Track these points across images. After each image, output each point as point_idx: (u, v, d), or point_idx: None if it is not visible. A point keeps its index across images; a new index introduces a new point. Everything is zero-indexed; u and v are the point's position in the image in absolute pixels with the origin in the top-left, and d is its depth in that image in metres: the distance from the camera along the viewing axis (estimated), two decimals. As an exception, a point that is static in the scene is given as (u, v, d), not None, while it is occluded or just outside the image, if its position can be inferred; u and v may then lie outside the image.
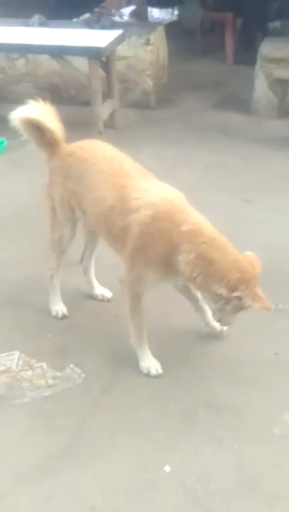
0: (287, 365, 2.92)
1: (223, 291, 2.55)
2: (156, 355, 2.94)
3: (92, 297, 3.35)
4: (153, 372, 2.85)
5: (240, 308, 2.62)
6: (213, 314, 2.89)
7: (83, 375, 2.86)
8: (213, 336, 3.06)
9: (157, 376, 2.84)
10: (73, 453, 2.49)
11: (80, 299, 3.28)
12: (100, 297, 3.34)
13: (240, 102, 6.20)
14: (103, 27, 5.66)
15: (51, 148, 3.05)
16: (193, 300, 3.02)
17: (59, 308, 3.23)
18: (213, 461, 2.45)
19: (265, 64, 5.87)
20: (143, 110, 6.05)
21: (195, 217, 2.63)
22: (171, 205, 2.65)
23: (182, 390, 2.78)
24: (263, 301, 2.58)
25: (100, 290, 3.35)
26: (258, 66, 5.94)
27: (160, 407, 2.69)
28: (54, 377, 2.84)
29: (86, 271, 3.34)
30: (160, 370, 2.85)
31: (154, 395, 2.76)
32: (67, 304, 3.27)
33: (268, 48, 5.88)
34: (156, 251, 2.62)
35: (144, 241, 2.64)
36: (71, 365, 2.91)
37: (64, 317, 3.21)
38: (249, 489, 2.34)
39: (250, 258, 2.63)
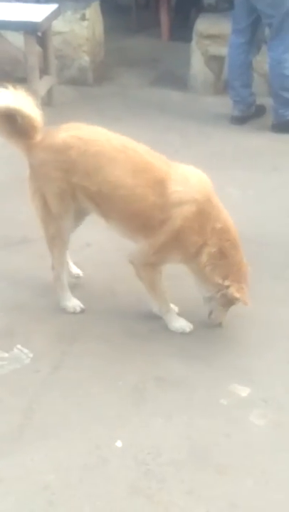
0: (233, 337, 3.00)
1: (219, 280, 2.79)
2: (104, 333, 2.97)
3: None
4: (187, 329, 3.00)
5: (227, 299, 2.84)
6: (204, 305, 2.98)
7: (31, 355, 2.84)
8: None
9: (191, 331, 2.99)
10: (24, 433, 2.48)
11: (25, 278, 3.24)
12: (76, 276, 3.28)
13: (177, 79, 6.21)
14: (38, 1, 5.53)
15: (29, 139, 2.84)
16: None
17: (75, 303, 3.11)
18: (164, 433, 2.49)
19: (200, 40, 5.89)
20: (80, 87, 5.97)
21: (224, 214, 2.84)
22: (209, 200, 2.80)
23: (130, 366, 2.81)
24: (243, 295, 2.81)
25: (75, 270, 3.29)
26: (193, 43, 5.94)
27: (109, 384, 2.71)
28: (1, 359, 2.81)
29: None
30: (192, 326, 3.00)
31: (103, 372, 2.77)
32: (12, 283, 3.24)
33: (203, 25, 5.89)
34: (192, 242, 2.78)
35: (183, 233, 2.77)
36: (18, 346, 2.88)
37: (82, 311, 3.10)
38: (199, 459, 2.39)
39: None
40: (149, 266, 2.91)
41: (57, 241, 2.99)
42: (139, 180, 2.76)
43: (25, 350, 2.86)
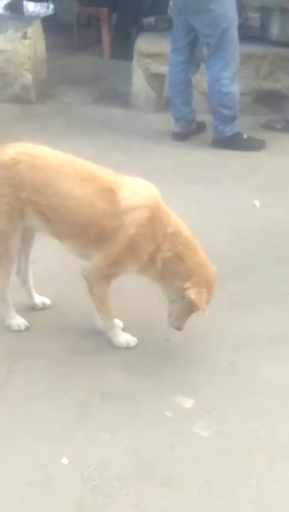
0: (177, 350, 3.04)
1: (180, 283, 2.79)
2: (49, 350, 2.98)
3: (33, 308, 3.24)
4: (132, 344, 3.01)
5: (186, 302, 2.82)
6: (168, 306, 2.94)
7: (-25, 375, 2.82)
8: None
9: (135, 346, 3.01)
10: None
11: None
12: (41, 306, 3.24)
13: (120, 96, 6.31)
14: (-23, 20, 5.54)
15: None
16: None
17: (19, 321, 3.09)
18: (110, 448, 2.50)
19: (141, 59, 6.01)
20: (23, 105, 6.00)
21: (175, 220, 2.87)
22: (158, 206, 2.84)
23: (76, 382, 2.82)
24: (201, 301, 2.79)
25: (40, 299, 3.26)
26: (134, 61, 6.06)
27: (55, 401, 2.71)
28: None
29: (25, 282, 3.19)
30: (136, 341, 3.02)
31: (48, 389, 2.77)
32: None
33: (143, 43, 6.02)
34: (145, 250, 2.79)
35: (136, 241, 2.77)
36: None
37: (27, 328, 3.08)
38: (145, 473, 2.41)
39: (212, 269, 2.91)
40: (103, 279, 2.91)
41: (3, 260, 2.97)
42: (87, 190, 2.79)
43: None
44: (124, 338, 3.02)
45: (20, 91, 6.07)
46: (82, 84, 6.66)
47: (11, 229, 2.90)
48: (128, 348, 3.01)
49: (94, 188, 2.79)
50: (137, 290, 3.39)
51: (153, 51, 5.90)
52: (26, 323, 3.10)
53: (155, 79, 6.00)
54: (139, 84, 6.07)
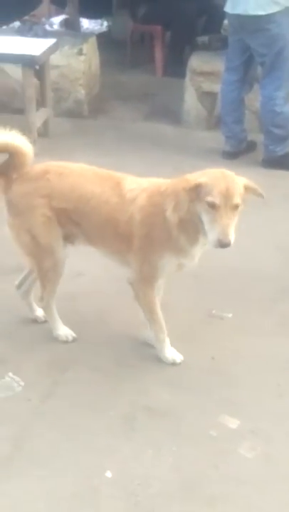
0: (222, 369, 3.02)
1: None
2: (95, 362, 2.99)
3: (35, 320, 3.26)
4: (178, 360, 3.02)
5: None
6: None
7: (22, 384, 2.85)
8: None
9: (180, 363, 3.01)
10: (14, 462, 2.48)
11: (18, 306, 3.25)
12: (43, 318, 3.26)
13: (171, 114, 6.34)
14: (36, 35, 5.67)
15: (10, 176, 2.91)
16: None
17: (67, 332, 3.14)
18: (153, 464, 2.50)
19: (194, 77, 6.04)
20: (76, 119, 6.09)
21: (167, 180, 2.86)
22: (157, 183, 2.87)
23: (121, 395, 2.82)
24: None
25: (41, 312, 3.27)
26: (187, 79, 6.09)
27: (100, 414, 2.72)
28: (-7, 386, 2.83)
29: (25, 295, 3.24)
30: (182, 358, 3.02)
31: (93, 401, 2.79)
32: (5, 311, 3.27)
33: (196, 62, 6.05)
34: (159, 229, 2.78)
35: (147, 225, 2.80)
36: (10, 374, 2.89)
37: (74, 339, 3.13)
38: (189, 491, 2.40)
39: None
40: (145, 282, 2.90)
41: (51, 274, 3.00)
42: (103, 188, 2.88)
43: (17, 378, 2.87)
44: (171, 354, 3.02)
45: (74, 105, 6.18)
46: (133, 100, 6.73)
47: (53, 239, 2.94)
48: (174, 364, 3.01)
49: (108, 185, 2.89)
50: (183, 306, 3.40)
51: (206, 69, 5.92)
52: (74, 335, 3.13)
53: (207, 97, 6.02)
54: (190, 102, 6.10)
